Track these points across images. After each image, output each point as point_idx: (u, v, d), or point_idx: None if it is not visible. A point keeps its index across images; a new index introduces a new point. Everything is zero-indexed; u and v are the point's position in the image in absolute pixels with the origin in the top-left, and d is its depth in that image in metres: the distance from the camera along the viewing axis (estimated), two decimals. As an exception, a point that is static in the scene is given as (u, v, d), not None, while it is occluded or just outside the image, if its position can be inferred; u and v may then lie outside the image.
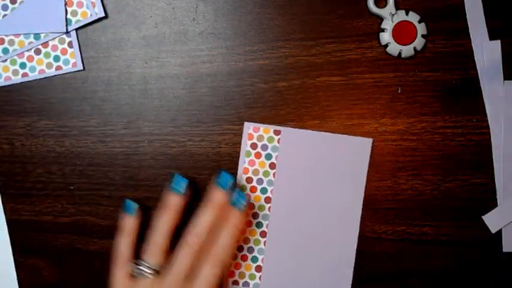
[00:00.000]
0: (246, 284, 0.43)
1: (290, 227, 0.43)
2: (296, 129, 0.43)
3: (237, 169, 0.43)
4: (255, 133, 0.43)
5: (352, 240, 0.43)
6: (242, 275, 0.43)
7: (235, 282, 0.43)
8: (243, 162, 0.43)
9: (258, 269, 0.43)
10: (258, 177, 0.43)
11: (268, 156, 0.43)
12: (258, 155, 0.43)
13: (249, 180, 0.43)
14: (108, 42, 0.43)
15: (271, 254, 0.43)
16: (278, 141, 0.43)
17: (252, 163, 0.43)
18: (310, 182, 0.43)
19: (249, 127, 0.43)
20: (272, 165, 0.43)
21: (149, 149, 0.44)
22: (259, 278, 0.43)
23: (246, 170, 0.43)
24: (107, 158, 0.44)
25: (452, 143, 0.43)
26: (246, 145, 0.43)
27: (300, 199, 0.43)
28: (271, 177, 0.43)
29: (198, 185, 0.44)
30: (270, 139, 0.43)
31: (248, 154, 0.43)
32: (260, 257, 0.43)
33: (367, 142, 0.42)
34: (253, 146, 0.43)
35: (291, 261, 0.43)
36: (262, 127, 0.43)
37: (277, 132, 0.43)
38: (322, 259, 0.43)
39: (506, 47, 0.42)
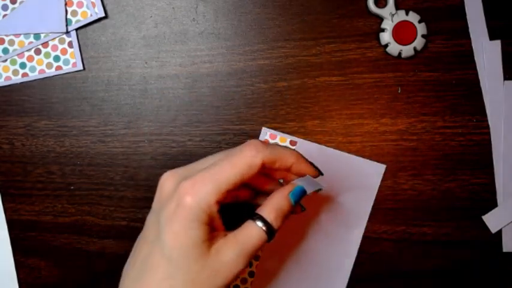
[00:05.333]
0: (236, 287, 0.43)
1: (289, 237, 0.43)
2: (313, 143, 0.42)
3: (237, 169, 0.43)
4: (271, 140, 0.43)
5: (349, 261, 0.43)
6: None
7: None
8: None
9: (251, 274, 0.43)
10: None
11: None
12: None
13: None
14: (108, 42, 0.44)
15: (266, 261, 0.43)
16: None
17: None
18: (317, 197, 0.43)
19: (266, 133, 0.43)
20: None
21: (149, 149, 0.44)
22: (251, 283, 0.43)
23: None
24: (107, 158, 0.44)
25: (452, 143, 0.43)
26: None
27: (304, 210, 0.43)
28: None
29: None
30: None
31: None
32: (255, 263, 0.43)
33: (381, 167, 0.42)
34: None
35: (285, 271, 0.43)
36: (279, 135, 0.43)
37: (293, 143, 0.43)
38: (319, 271, 0.43)
39: (506, 47, 0.42)
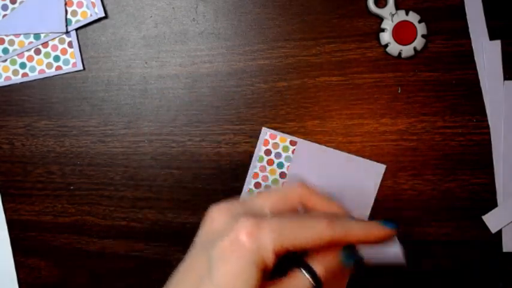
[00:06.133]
0: None
1: None
2: (313, 143, 0.43)
3: (236, 169, 0.43)
4: (271, 140, 0.43)
5: None
6: None
7: None
8: (254, 167, 0.43)
9: None
10: (267, 183, 0.43)
11: (280, 165, 0.43)
12: (270, 162, 0.43)
13: (257, 185, 0.43)
14: (108, 42, 0.44)
15: None
16: (293, 152, 0.43)
17: (263, 169, 0.43)
18: None
19: (266, 133, 0.43)
20: (283, 175, 0.43)
21: (149, 149, 0.44)
22: None
23: (255, 175, 0.43)
24: (107, 158, 0.44)
25: (452, 143, 0.43)
26: (260, 150, 0.43)
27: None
28: (279, 186, 0.43)
29: (198, 184, 0.44)
30: (285, 148, 0.43)
31: (261, 159, 0.43)
32: None
33: (381, 167, 0.42)
34: (267, 152, 0.43)
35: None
36: (279, 135, 0.43)
37: (293, 143, 0.43)
38: None
39: (506, 47, 0.42)
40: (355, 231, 0.29)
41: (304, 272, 0.29)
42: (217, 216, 0.30)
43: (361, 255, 0.31)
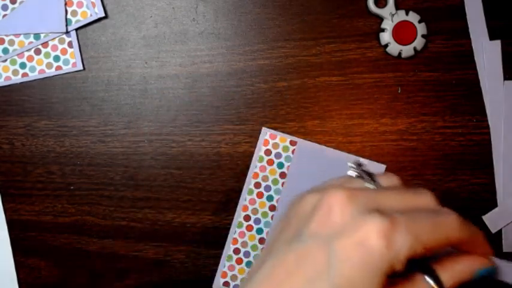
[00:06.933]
0: (236, 287, 0.43)
1: None
2: (313, 143, 0.43)
3: (236, 169, 0.43)
4: (271, 140, 0.43)
5: None
6: (234, 278, 0.43)
7: (226, 284, 0.43)
8: (254, 167, 0.43)
9: None
10: (267, 183, 0.43)
11: (280, 165, 0.43)
12: (270, 162, 0.43)
13: (257, 185, 0.43)
14: (108, 42, 0.44)
15: None
16: (293, 152, 0.43)
17: (263, 169, 0.43)
18: None
19: (265, 133, 0.43)
20: (283, 175, 0.43)
21: (149, 149, 0.44)
22: None
23: (255, 175, 0.43)
24: (107, 158, 0.44)
25: (452, 143, 0.43)
26: (260, 150, 0.43)
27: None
28: (279, 186, 0.43)
29: (198, 184, 0.44)
30: (285, 148, 0.43)
31: (261, 159, 0.43)
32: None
33: (381, 168, 0.42)
34: (267, 152, 0.43)
35: None
36: (279, 135, 0.43)
37: (293, 143, 0.43)
38: None
39: (506, 47, 0.42)
40: (480, 241, 0.27)
41: (428, 279, 0.25)
42: (341, 206, 0.26)
43: (495, 269, 0.28)
